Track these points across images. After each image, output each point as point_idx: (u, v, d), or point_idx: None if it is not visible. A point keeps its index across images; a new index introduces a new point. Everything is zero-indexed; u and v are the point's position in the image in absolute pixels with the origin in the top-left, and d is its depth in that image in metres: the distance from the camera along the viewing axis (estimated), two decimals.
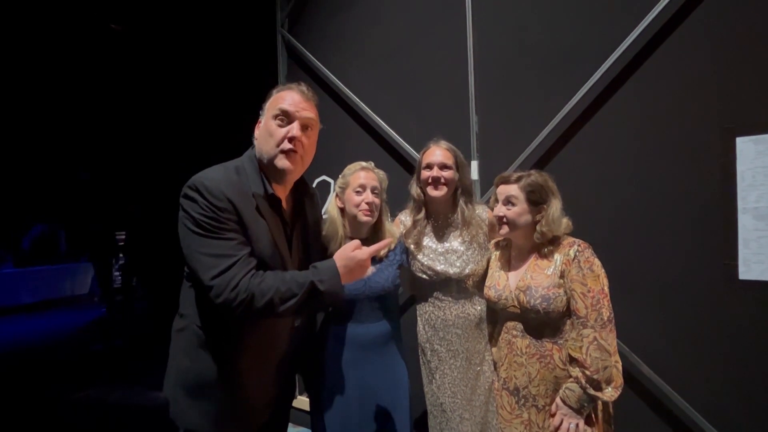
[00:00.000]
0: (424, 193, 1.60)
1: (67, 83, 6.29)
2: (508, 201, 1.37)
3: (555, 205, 1.34)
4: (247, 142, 1.27)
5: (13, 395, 3.44)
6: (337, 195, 1.56)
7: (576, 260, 1.28)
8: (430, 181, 1.55)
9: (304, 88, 1.22)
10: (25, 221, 7.67)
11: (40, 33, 5.11)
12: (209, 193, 1.06)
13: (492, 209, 1.44)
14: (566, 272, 1.29)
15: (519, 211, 1.35)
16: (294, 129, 1.15)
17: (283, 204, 1.24)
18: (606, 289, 1.27)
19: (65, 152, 7.90)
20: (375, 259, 1.52)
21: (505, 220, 1.37)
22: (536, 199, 1.35)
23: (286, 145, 1.15)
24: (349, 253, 1.11)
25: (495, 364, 1.49)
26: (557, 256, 1.33)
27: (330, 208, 1.55)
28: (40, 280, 6.85)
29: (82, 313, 6.58)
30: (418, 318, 1.65)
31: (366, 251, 1.13)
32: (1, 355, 4.57)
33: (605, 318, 1.23)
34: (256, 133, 1.22)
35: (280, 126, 1.16)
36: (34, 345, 5.00)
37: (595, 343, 1.21)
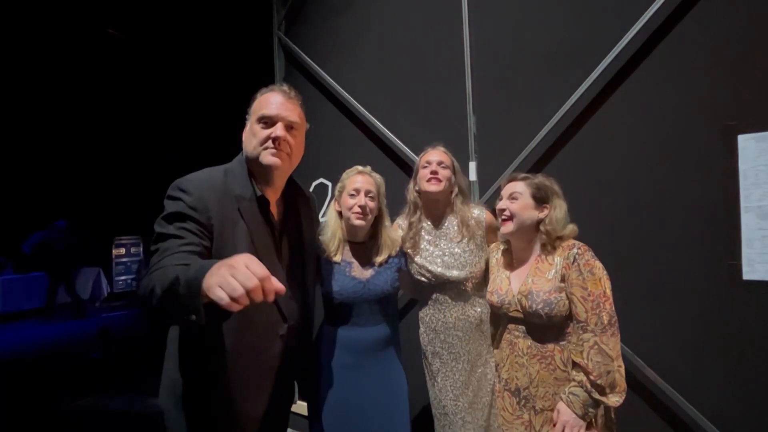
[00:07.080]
0: (420, 194, 1.61)
1: (68, 89, 6.32)
2: (512, 196, 1.36)
3: (560, 206, 1.34)
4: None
5: (13, 402, 3.42)
6: (335, 198, 1.57)
7: (576, 263, 1.26)
8: (428, 176, 1.56)
9: (285, 88, 1.22)
10: (26, 227, 7.66)
11: (36, 49, 5.13)
12: (184, 191, 1.07)
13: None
14: (567, 276, 1.27)
15: (522, 204, 1.35)
16: (277, 129, 1.16)
17: (272, 207, 1.23)
18: (608, 292, 1.25)
19: (66, 156, 7.91)
20: (374, 263, 1.52)
21: (507, 213, 1.35)
22: (541, 197, 1.35)
23: (269, 145, 1.15)
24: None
25: (497, 365, 1.47)
26: (557, 259, 1.31)
27: (329, 211, 1.57)
28: (40, 286, 6.83)
29: (81, 320, 6.56)
30: (420, 322, 1.63)
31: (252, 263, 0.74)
32: (1, 362, 4.55)
33: (605, 322, 1.21)
34: (243, 137, 1.22)
35: (264, 128, 1.16)
36: (32, 351, 4.99)
37: (596, 347, 1.19)
